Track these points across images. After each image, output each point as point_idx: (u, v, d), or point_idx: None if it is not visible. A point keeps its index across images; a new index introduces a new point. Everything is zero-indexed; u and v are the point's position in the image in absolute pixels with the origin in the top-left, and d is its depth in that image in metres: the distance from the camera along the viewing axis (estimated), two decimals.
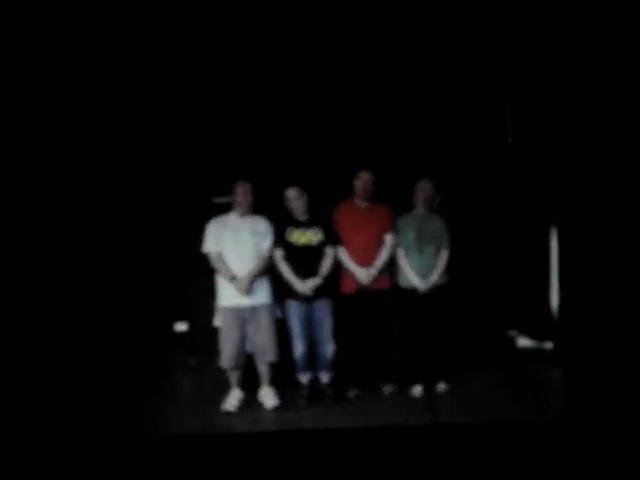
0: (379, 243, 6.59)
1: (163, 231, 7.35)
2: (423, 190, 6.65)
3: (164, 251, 7.39)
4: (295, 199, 6.51)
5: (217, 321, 6.93)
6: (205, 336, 7.06)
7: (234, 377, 6.48)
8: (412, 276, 6.53)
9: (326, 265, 6.46)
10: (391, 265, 6.64)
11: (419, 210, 6.67)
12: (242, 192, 6.47)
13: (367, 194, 6.63)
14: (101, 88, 6.95)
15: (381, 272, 6.55)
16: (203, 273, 6.65)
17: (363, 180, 6.62)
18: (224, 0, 6.83)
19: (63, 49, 6.48)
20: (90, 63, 6.74)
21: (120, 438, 5.57)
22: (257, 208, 6.56)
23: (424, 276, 6.52)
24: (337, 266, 6.53)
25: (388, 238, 6.60)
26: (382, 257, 6.55)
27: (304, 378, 6.54)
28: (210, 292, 6.59)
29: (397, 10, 7.06)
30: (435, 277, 6.55)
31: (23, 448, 5.36)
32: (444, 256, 6.61)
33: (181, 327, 7.77)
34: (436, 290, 6.55)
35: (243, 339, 6.42)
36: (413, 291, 6.54)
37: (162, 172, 7.34)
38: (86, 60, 6.71)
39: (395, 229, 6.63)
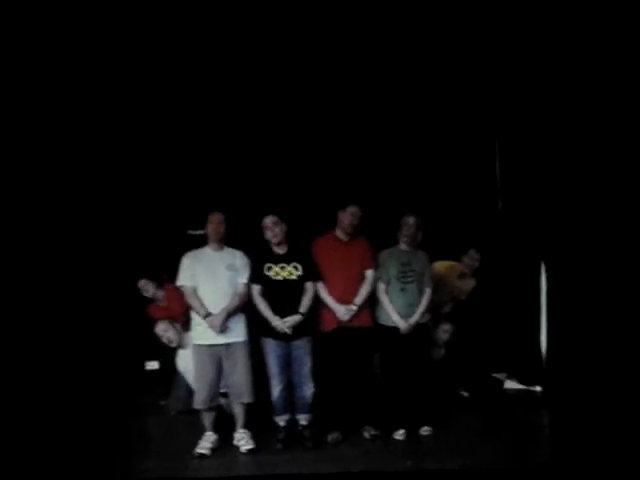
0: (360, 279, 6.52)
1: (136, 265, 7.31)
2: (407, 225, 6.60)
3: (136, 287, 7.35)
4: (272, 227, 6.41)
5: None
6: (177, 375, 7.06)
7: (208, 419, 6.35)
8: (393, 313, 6.46)
9: (306, 302, 6.37)
10: (372, 301, 6.57)
11: (403, 245, 6.63)
12: (216, 223, 6.39)
13: (352, 229, 6.57)
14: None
15: (362, 308, 6.48)
16: None
17: (351, 214, 6.56)
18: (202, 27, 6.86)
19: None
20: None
21: None
22: (233, 241, 6.50)
23: (406, 315, 6.46)
24: (316, 302, 6.45)
25: (369, 273, 6.53)
26: (363, 293, 6.48)
27: (281, 420, 6.42)
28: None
29: (385, 41, 7.12)
30: (417, 317, 6.49)
31: None
32: (427, 294, 6.57)
33: (151, 366, 7.73)
34: (418, 329, 6.50)
35: (218, 379, 6.30)
36: (394, 329, 6.46)
37: (135, 203, 7.31)
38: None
39: (376, 264, 6.58)
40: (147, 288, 7.60)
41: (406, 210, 6.71)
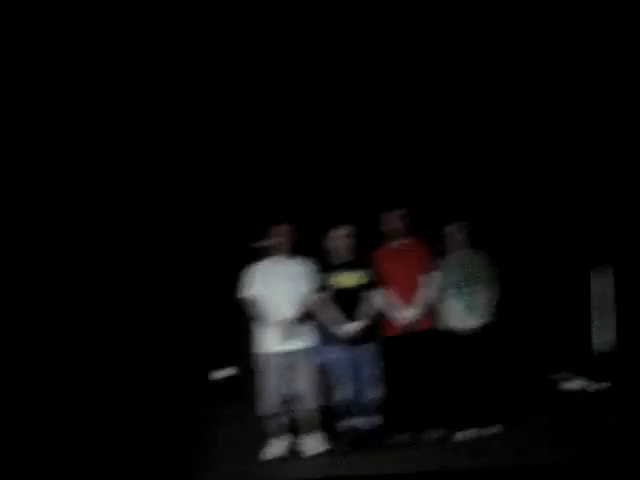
0: (419, 282, 6.70)
1: (203, 277, 7.51)
2: (462, 230, 6.78)
3: (204, 298, 7.55)
4: (343, 239, 6.66)
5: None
6: (246, 382, 7.26)
7: (276, 424, 6.57)
8: (454, 318, 6.65)
9: (369, 308, 6.58)
10: (433, 305, 6.74)
11: (462, 250, 6.79)
12: (280, 235, 6.65)
13: (396, 233, 6.80)
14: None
15: (423, 312, 6.68)
16: (243, 319, 6.88)
17: (387, 221, 6.82)
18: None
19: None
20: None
21: None
22: (296, 251, 6.72)
23: (467, 318, 6.64)
24: (379, 309, 6.66)
25: (428, 277, 6.72)
26: (422, 297, 6.66)
27: (347, 424, 6.60)
28: (250, 338, 6.79)
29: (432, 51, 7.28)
30: (479, 319, 6.64)
31: None
32: (488, 296, 6.71)
33: (223, 374, 7.90)
34: (481, 331, 6.65)
35: (286, 385, 6.52)
36: (456, 332, 6.64)
37: (199, 219, 7.51)
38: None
39: (434, 268, 6.76)
40: None
41: (456, 217, 6.88)
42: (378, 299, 6.66)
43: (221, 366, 7.80)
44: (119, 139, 6.98)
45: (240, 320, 6.94)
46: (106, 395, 6.71)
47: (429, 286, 6.71)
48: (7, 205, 6.50)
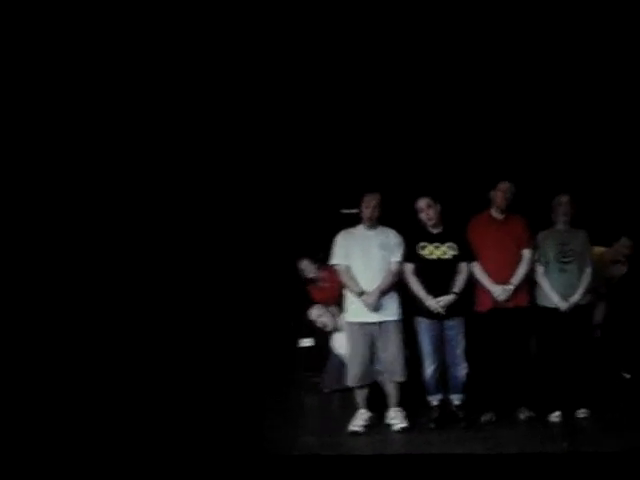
0: (516, 258, 6.55)
1: (291, 245, 7.55)
2: (562, 204, 6.61)
3: (291, 266, 7.59)
4: (426, 209, 6.54)
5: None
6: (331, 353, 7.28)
7: (361, 396, 6.53)
8: (553, 295, 6.48)
9: (460, 281, 6.46)
10: (529, 282, 6.61)
11: (560, 225, 6.64)
12: (370, 203, 6.57)
13: (505, 205, 6.63)
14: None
15: (518, 288, 6.51)
16: None
17: (503, 190, 6.63)
18: None
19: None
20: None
21: (242, 457, 5.69)
22: (386, 220, 6.66)
23: (565, 295, 6.46)
24: (471, 283, 6.54)
25: (526, 253, 6.55)
26: (520, 273, 6.51)
27: (434, 400, 6.53)
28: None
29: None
30: (577, 296, 6.47)
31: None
32: (587, 274, 6.54)
33: (306, 343, 7.96)
34: (578, 310, 6.50)
35: (371, 357, 6.47)
36: (553, 310, 6.48)
37: (290, 184, 7.55)
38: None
39: (533, 243, 6.61)
40: (308, 269, 7.83)
41: (560, 191, 6.72)
42: (471, 272, 6.54)
43: (308, 335, 7.82)
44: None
45: None
46: (193, 364, 6.89)
47: (526, 262, 6.56)
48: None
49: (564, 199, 6.64)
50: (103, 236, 7.16)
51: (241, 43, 6.97)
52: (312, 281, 7.90)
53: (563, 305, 6.47)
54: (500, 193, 6.63)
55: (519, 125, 7.74)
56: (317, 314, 7.55)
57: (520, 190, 6.72)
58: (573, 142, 7.75)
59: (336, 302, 7.30)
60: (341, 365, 7.18)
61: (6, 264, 6.71)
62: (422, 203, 6.58)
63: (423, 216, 6.58)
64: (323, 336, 7.57)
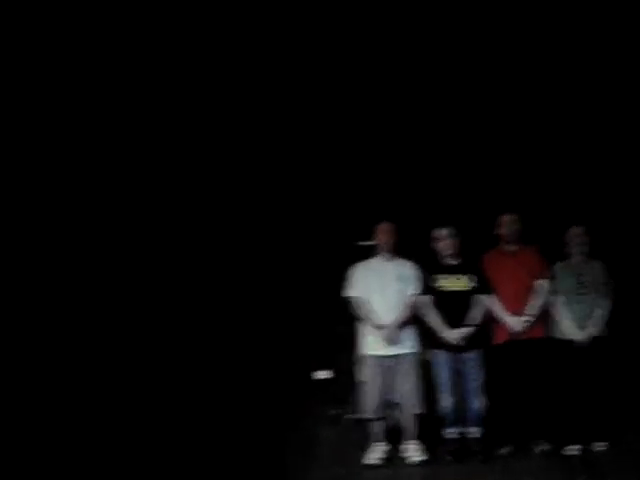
0: (531, 290, 6.58)
1: (307, 275, 7.57)
2: (576, 236, 6.64)
3: (308, 296, 7.60)
4: (446, 239, 6.58)
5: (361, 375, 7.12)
6: (347, 385, 7.28)
7: (377, 429, 6.54)
8: (569, 327, 6.50)
9: (477, 314, 6.49)
10: (545, 313, 6.61)
11: (576, 257, 6.64)
12: (386, 233, 6.63)
13: (513, 237, 6.67)
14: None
15: (534, 320, 6.53)
16: (346, 319, 6.89)
17: (506, 223, 6.69)
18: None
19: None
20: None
21: None
22: (403, 252, 6.70)
23: (582, 327, 6.47)
24: (488, 316, 6.56)
25: (541, 284, 6.58)
26: (536, 304, 6.53)
27: (451, 433, 6.52)
28: (352, 339, 6.79)
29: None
30: (594, 328, 6.47)
31: None
32: (604, 306, 6.54)
33: (322, 375, 7.94)
34: (595, 342, 6.48)
35: (387, 389, 6.49)
36: (570, 342, 6.48)
37: (306, 216, 7.57)
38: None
39: (548, 274, 6.62)
40: None
41: (574, 222, 6.75)
42: (487, 304, 6.57)
43: (324, 367, 7.82)
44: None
45: (345, 320, 6.92)
46: (207, 394, 6.89)
47: (542, 293, 6.57)
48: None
49: (578, 231, 6.67)
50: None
51: (259, 75, 7.02)
52: None
53: (580, 337, 6.47)
54: (504, 226, 6.71)
55: (533, 157, 7.73)
56: None
57: (535, 220, 6.78)
58: (587, 174, 7.72)
59: None
60: None
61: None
62: (443, 233, 6.61)
63: (442, 246, 6.62)
64: (341, 366, 7.54)
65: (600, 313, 6.56)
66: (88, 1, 6.46)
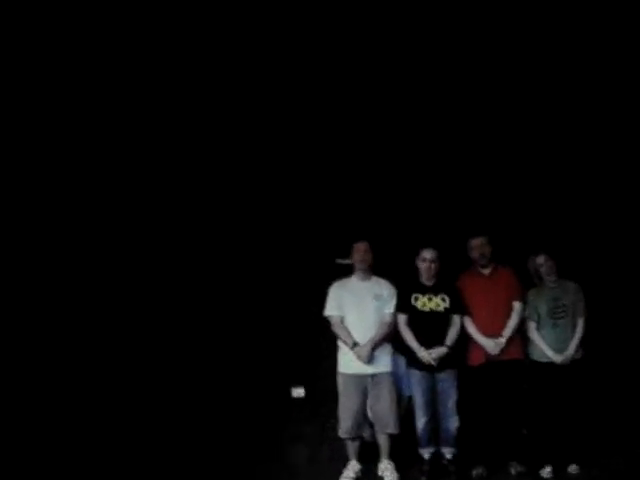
0: (507, 311, 6.60)
1: (284, 294, 7.57)
2: (542, 265, 6.67)
3: (284, 314, 7.61)
4: (430, 262, 6.59)
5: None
6: (323, 403, 7.28)
7: (352, 448, 6.54)
8: (547, 350, 6.50)
9: (453, 334, 6.50)
10: (521, 334, 6.63)
11: (549, 283, 6.68)
12: (362, 252, 6.63)
13: (484, 259, 6.70)
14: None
15: (510, 341, 6.53)
16: (322, 338, 6.90)
17: (475, 246, 6.73)
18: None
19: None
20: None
21: None
22: (379, 271, 6.71)
23: (559, 349, 6.48)
24: (463, 336, 6.57)
25: (517, 305, 6.60)
26: (511, 326, 6.55)
27: (426, 453, 6.54)
28: (329, 357, 6.79)
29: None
30: (572, 350, 6.49)
31: None
32: (580, 326, 6.56)
33: (298, 393, 7.92)
34: (572, 364, 6.50)
35: (363, 408, 6.48)
36: (547, 365, 6.50)
37: (284, 234, 7.59)
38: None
39: (523, 295, 6.66)
40: None
41: (538, 249, 6.78)
42: (463, 325, 6.59)
43: (301, 384, 7.82)
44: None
45: (322, 338, 6.94)
46: (186, 411, 6.91)
47: (517, 314, 6.60)
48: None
49: (540, 260, 6.71)
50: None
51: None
52: None
53: (558, 359, 6.50)
54: (473, 250, 6.75)
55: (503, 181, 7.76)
56: None
57: (510, 243, 6.84)
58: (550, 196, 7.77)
59: None
60: None
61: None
62: (430, 255, 6.64)
63: (425, 266, 6.63)
64: (321, 382, 7.53)
65: (577, 335, 6.58)
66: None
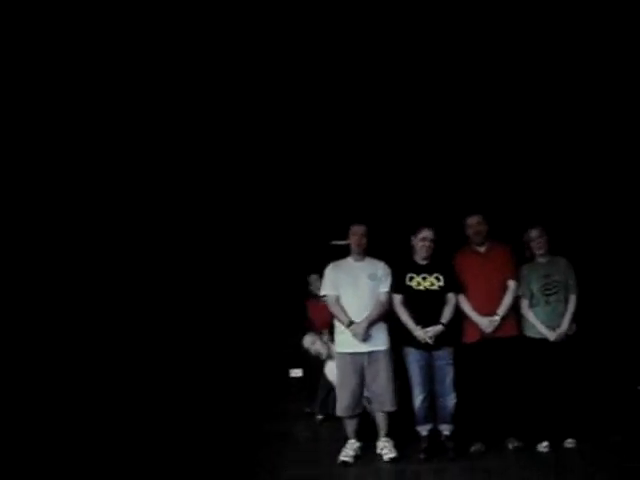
0: (502, 289, 6.65)
1: (282, 275, 7.65)
2: (533, 239, 6.73)
3: (282, 294, 7.68)
4: (426, 240, 6.65)
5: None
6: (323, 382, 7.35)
7: (351, 426, 6.62)
8: (540, 326, 6.56)
9: (448, 312, 6.56)
10: (516, 311, 6.70)
11: (540, 258, 6.73)
12: (358, 234, 6.70)
13: (480, 238, 6.75)
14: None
15: (505, 319, 6.59)
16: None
17: (471, 224, 6.79)
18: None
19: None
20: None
21: None
22: (374, 252, 6.77)
23: (552, 325, 6.55)
24: (458, 314, 6.63)
25: (511, 283, 6.66)
26: (505, 303, 6.61)
27: (423, 430, 6.60)
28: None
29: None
30: (565, 326, 6.56)
31: None
32: (572, 302, 6.62)
33: (296, 373, 8.02)
34: (565, 340, 6.57)
35: (360, 387, 6.56)
36: (541, 341, 6.56)
37: (282, 215, 7.67)
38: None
39: (517, 274, 6.72)
40: (316, 285, 7.83)
41: (532, 223, 6.85)
42: (458, 303, 6.65)
43: (297, 365, 7.91)
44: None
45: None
46: (186, 390, 7.00)
47: (512, 292, 6.66)
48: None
49: (536, 233, 6.76)
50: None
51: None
52: (315, 297, 7.91)
53: (551, 335, 6.56)
54: (469, 228, 6.80)
55: (498, 160, 7.81)
56: (310, 342, 7.63)
57: (505, 221, 6.89)
58: (544, 172, 7.82)
59: (330, 326, 7.32)
60: (332, 392, 7.24)
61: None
62: (428, 234, 6.70)
63: (423, 245, 6.68)
64: (313, 364, 7.63)
65: (569, 311, 6.64)
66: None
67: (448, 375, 6.59)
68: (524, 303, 6.69)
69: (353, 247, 6.73)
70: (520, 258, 6.81)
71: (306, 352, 7.73)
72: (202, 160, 7.64)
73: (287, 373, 7.77)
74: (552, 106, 7.56)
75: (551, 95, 7.51)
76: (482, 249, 6.80)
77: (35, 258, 7.07)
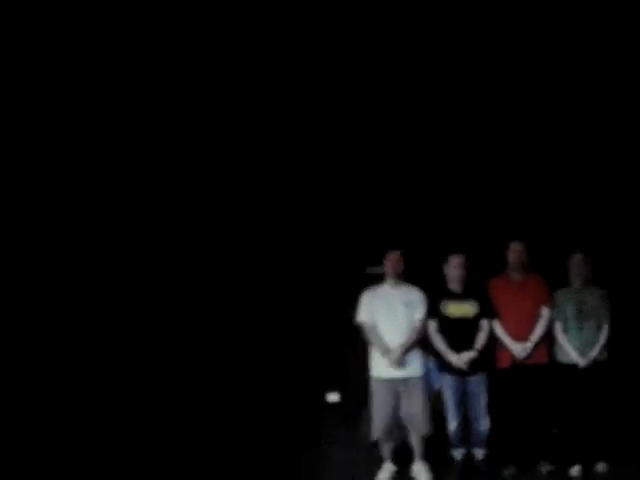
0: (535, 316, 6.82)
1: (317, 302, 7.79)
2: (576, 264, 6.88)
3: (318, 321, 7.82)
4: (458, 267, 6.83)
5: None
6: (357, 407, 7.52)
7: (386, 450, 6.79)
8: (571, 352, 6.72)
9: (482, 338, 6.73)
10: (548, 338, 6.86)
11: (576, 284, 6.88)
12: (394, 260, 6.88)
13: (520, 266, 6.91)
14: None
15: (538, 345, 6.77)
16: (355, 343, 7.14)
17: (515, 251, 6.93)
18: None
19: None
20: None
21: None
22: (409, 279, 6.95)
23: (583, 352, 6.70)
24: (492, 340, 6.80)
25: (545, 311, 6.83)
26: (538, 331, 6.78)
27: (458, 454, 6.78)
28: (362, 362, 7.04)
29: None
30: (595, 353, 6.71)
31: None
32: (605, 331, 6.78)
33: (333, 397, 8.15)
34: (596, 366, 6.72)
35: (395, 411, 6.73)
36: (572, 366, 6.71)
37: (316, 243, 7.82)
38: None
39: (551, 301, 6.89)
40: None
41: (574, 248, 6.99)
42: (492, 330, 6.82)
43: (335, 389, 8.05)
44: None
45: (356, 344, 7.18)
46: (223, 417, 7.15)
47: (545, 320, 6.83)
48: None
49: (577, 259, 6.91)
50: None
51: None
52: None
53: (582, 361, 6.71)
54: (512, 254, 6.94)
55: (536, 184, 7.96)
56: None
57: (538, 248, 7.02)
58: (587, 200, 7.95)
59: None
60: None
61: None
62: (459, 260, 6.87)
63: (451, 273, 6.86)
64: (351, 388, 7.76)
65: (601, 338, 6.79)
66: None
67: (481, 400, 6.76)
68: (558, 327, 6.84)
69: (389, 273, 6.88)
70: (559, 283, 6.94)
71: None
72: (234, 181, 7.75)
73: (324, 398, 7.88)
74: (593, 135, 7.67)
75: (591, 121, 7.62)
76: (518, 277, 6.95)
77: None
